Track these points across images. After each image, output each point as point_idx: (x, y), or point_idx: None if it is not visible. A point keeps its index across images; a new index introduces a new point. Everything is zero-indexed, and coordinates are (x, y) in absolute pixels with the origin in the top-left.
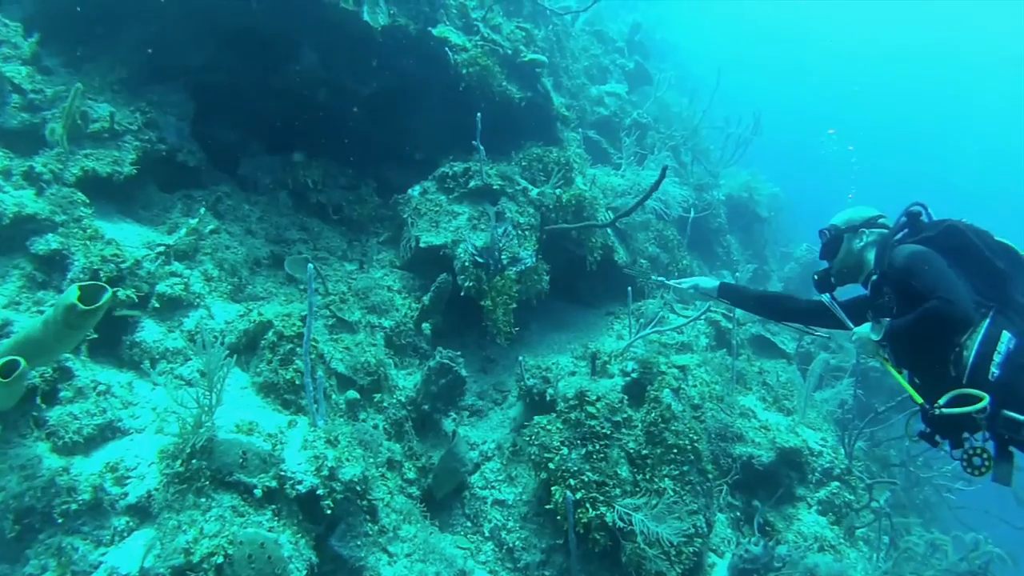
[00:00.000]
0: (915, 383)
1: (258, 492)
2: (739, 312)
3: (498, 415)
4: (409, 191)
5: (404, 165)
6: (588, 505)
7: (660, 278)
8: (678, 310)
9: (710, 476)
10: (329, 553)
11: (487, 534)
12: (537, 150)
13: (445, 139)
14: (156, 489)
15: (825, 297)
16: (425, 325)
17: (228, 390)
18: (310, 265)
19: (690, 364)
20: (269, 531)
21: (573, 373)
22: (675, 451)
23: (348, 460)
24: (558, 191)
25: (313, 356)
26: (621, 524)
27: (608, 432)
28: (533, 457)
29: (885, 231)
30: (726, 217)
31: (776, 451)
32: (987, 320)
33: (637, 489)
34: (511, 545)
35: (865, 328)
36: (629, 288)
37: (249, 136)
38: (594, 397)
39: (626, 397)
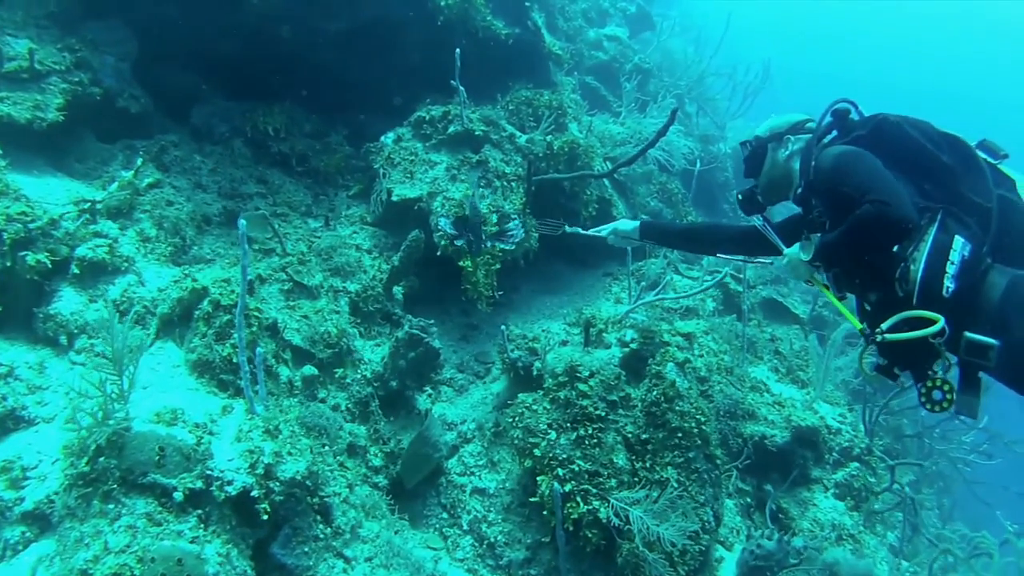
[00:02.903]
0: (865, 310)
1: (178, 496)
2: (749, 272)
3: (480, 391)
4: (382, 138)
5: (381, 112)
6: (579, 499)
7: (575, 228)
8: (683, 270)
9: (719, 462)
10: (273, 561)
11: (465, 527)
12: (526, 93)
13: (423, 82)
14: (57, 493)
15: (757, 220)
16: (397, 289)
17: (159, 369)
18: (241, 220)
19: (696, 331)
20: (192, 542)
21: (565, 342)
22: (679, 435)
23: (291, 454)
24: (549, 138)
25: (256, 328)
26: (617, 521)
27: (603, 414)
28: (517, 442)
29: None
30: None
31: (791, 430)
32: (934, 225)
33: (636, 480)
34: (492, 540)
35: (794, 249)
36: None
37: (203, 80)
38: (587, 373)
39: (624, 372)
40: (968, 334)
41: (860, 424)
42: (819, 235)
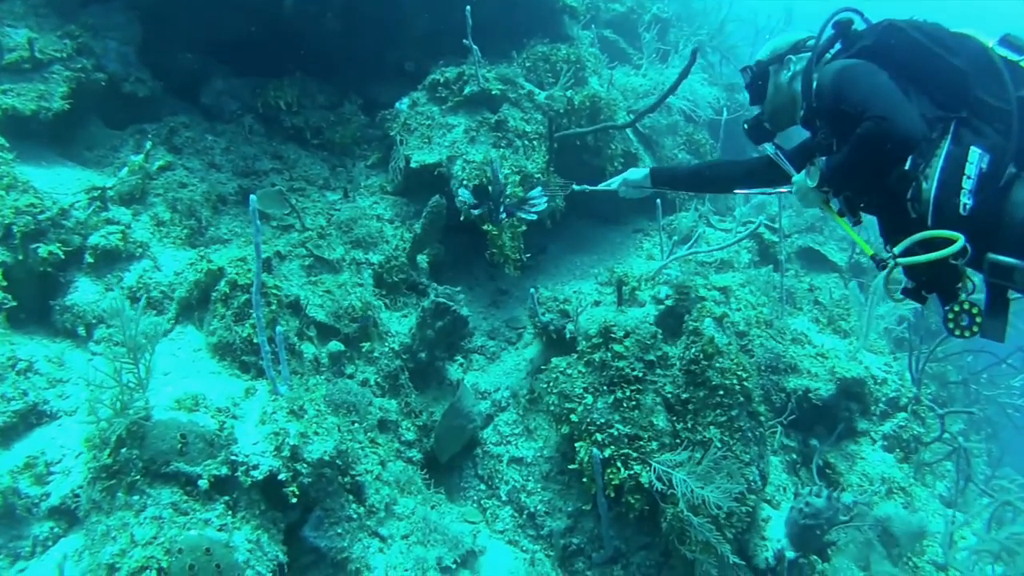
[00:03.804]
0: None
1: (203, 483)
2: (784, 221)
3: (512, 357)
4: (397, 105)
5: (394, 79)
6: (619, 464)
7: (583, 185)
8: (715, 223)
9: (763, 419)
10: (306, 544)
11: (504, 498)
12: (543, 48)
13: (435, 46)
14: (82, 487)
15: (769, 148)
16: (421, 257)
17: (179, 354)
18: (253, 196)
19: (732, 285)
20: (219, 530)
21: (598, 303)
22: (721, 393)
23: (317, 434)
24: (569, 93)
25: (275, 306)
26: (660, 485)
27: (640, 374)
28: (552, 408)
29: None
30: None
31: (836, 382)
32: (947, 137)
33: (677, 441)
34: (532, 510)
35: (800, 175)
36: (658, 201)
37: (210, 59)
38: (621, 333)
39: (660, 330)
40: (991, 255)
41: (906, 373)
42: (824, 159)
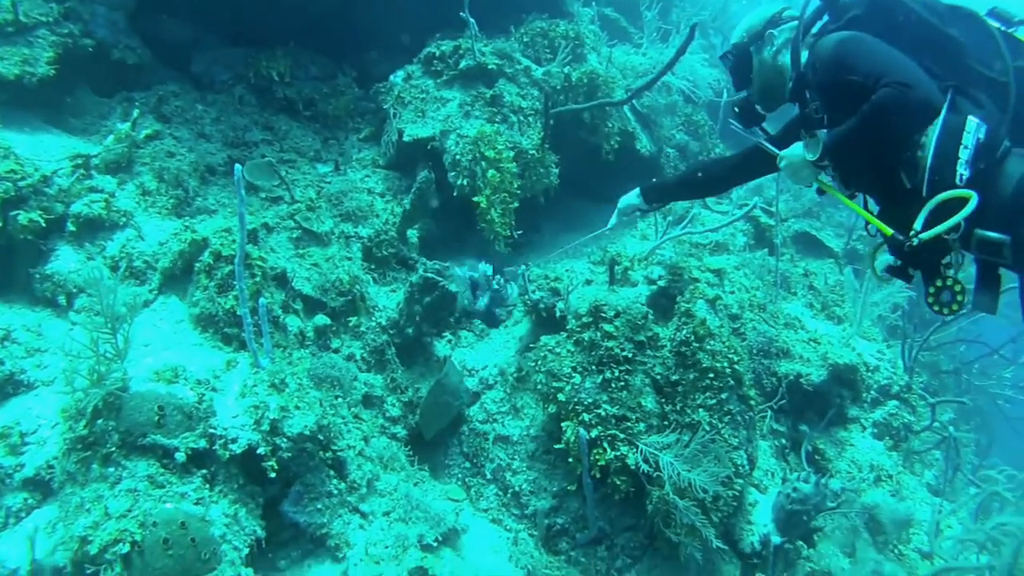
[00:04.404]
0: (870, 210)
1: (180, 456)
2: (781, 205)
3: (502, 334)
4: (391, 77)
5: (390, 52)
6: (606, 444)
7: (587, 237)
8: (711, 204)
9: (753, 403)
10: (286, 520)
11: (489, 476)
12: (541, 24)
13: (432, 19)
14: (57, 458)
15: (758, 135)
16: (411, 232)
17: (161, 325)
18: (238, 166)
19: (727, 267)
20: (196, 504)
21: (589, 282)
22: (711, 376)
23: (298, 408)
24: (567, 69)
25: (260, 278)
26: (646, 467)
27: (630, 355)
28: (540, 387)
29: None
30: None
31: (828, 368)
32: (944, 107)
33: (665, 423)
34: (517, 489)
35: (796, 148)
36: (654, 180)
37: (202, 29)
38: (612, 313)
39: (651, 311)
40: (979, 231)
41: (899, 361)
42: (825, 131)
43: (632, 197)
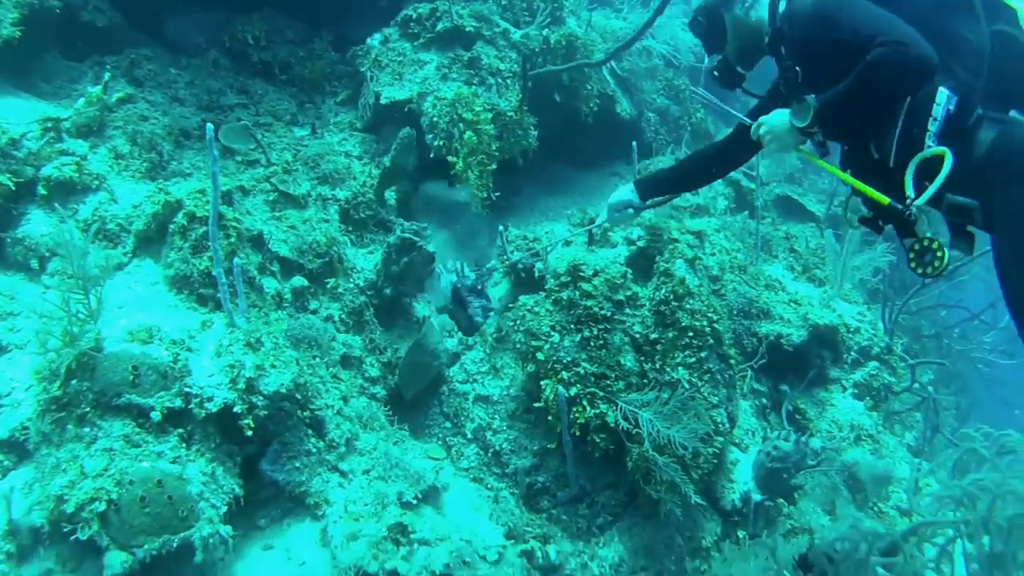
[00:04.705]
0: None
1: (156, 416)
2: (763, 170)
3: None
4: (368, 41)
5: (367, 16)
6: (585, 402)
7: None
8: None
9: (732, 362)
10: (265, 479)
11: (469, 436)
12: None
13: None
14: (31, 419)
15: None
16: (389, 194)
17: (136, 287)
18: (209, 125)
19: (707, 229)
20: (173, 463)
21: (568, 243)
22: (690, 334)
23: (274, 366)
24: (545, 32)
25: (234, 239)
26: (626, 425)
27: (608, 314)
28: (519, 346)
29: None
30: None
31: (808, 329)
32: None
33: (645, 381)
34: (498, 448)
35: (779, 115)
36: (634, 143)
37: None
38: (590, 272)
39: (630, 271)
40: (949, 196)
41: (879, 323)
42: (814, 96)
43: (625, 192)
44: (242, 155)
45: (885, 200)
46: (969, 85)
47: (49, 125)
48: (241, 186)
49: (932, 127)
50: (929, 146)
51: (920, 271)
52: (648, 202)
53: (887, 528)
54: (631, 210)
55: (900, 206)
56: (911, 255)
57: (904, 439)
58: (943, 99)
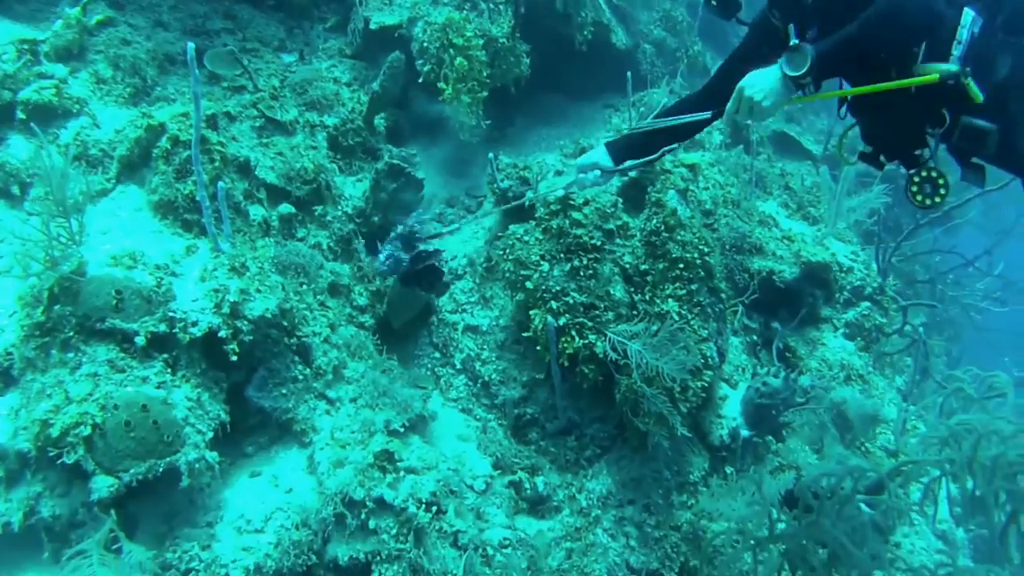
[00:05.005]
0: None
1: (140, 340)
2: None
3: (471, 225)
4: None
5: None
6: (574, 332)
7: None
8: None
9: (723, 296)
10: (253, 406)
11: (458, 366)
12: None
13: None
14: (15, 345)
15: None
16: (378, 120)
17: (120, 213)
18: (190, 44)
19: (701, 163)
20: (158, 387)
21: (560, 172)
22: (681, 266)
23: (259, 291)
24: None
25: (219, 163)
26: (614, 355)
27: (598, 243)
28: (508, 275)
29: None
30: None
31: (801, 266)
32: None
33: (634, 313)
34: (487, 379)
35: (763, 74)
36: (628, 73)
37: None
38: (581, 200)
39: (621, 200)
40: (965, 118)
41: (873, 263)
42: (807, 45)
43: (596, 155)
44: (228, 81)
45: (935, 76)
46: (993, 8)
47: (25, 47)
48: (227, 112)
49: (956, 51)
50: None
51: (920, 201)
52: (620, 166)
53: (873, 467)
54: (598, 172)
55: (956, 69)
56: (914, 186)
57: (894, 383)
58: (968, 20)
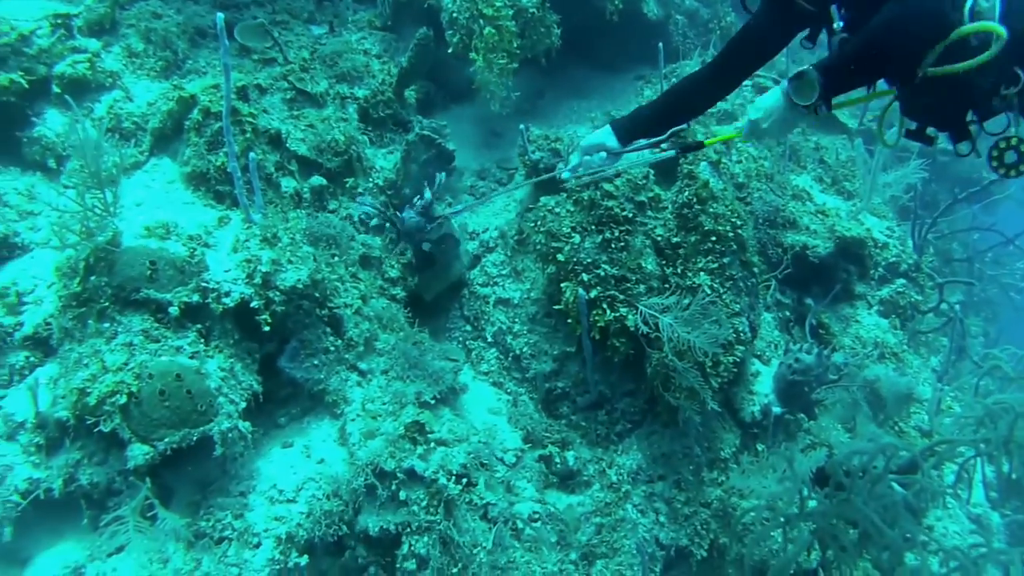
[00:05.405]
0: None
1: (174, 311)
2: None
3: (502, 197)
4: None
5: None
6: (605, 305)
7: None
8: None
9: (756, 270)
10: (285, 377)
11: (490, 339)
12: None
13: None
14: (53, 316)
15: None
16: (408, 92)
17: (153, 185)
18: (219, 15)
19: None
20: (191, 357)
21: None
22: (713, 239)
23: (291, 262)
24: None
25: (250, 134)
26: (645, 329)
27: (630, 215)
28: (539, 247)
29: None
30: None
31: (835, 241)
32: None
33: (666, 286)
34: (518, 352)
35: (767, 100)
36: (660, 45)
37: None
38: (612, 172)
39: (653, 172)
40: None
41: (908, 239)
42: (811, 67)
43: (602, 135)
44: (258, 54)
45: (1001, 30)
46: None
47: (59, 22)
48: (258, 84)
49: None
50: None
51: (1003, 172)
52: (628, 147)
53: (906, 447)
54: (604, 154)
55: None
56: (993, 155)
57: (929, 362)
58: None
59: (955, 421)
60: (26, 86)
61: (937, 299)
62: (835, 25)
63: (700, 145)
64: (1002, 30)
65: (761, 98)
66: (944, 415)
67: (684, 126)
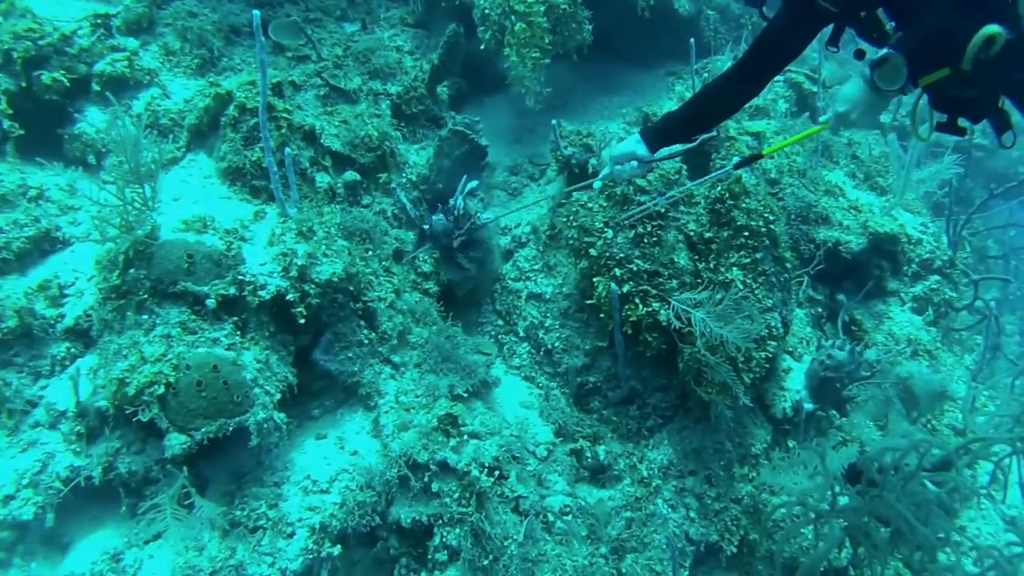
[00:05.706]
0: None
1: (211, 303)
2: (825, 72)
3: (534, 193)
4: None
5: None
6: (637, 300)
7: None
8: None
9: (788, 265)
10: (319, 369)
11: (522, 334)
12: None
13: None
14: (94, 308)
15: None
16: (441, 88)
17: (190, 180)
18: (255, 12)
19: (766, 131)
20: (228, 349)
21: (622, 139)
22: (746, 234)
23: (326, 255)
24: None
25: (285, 129)
26: (678, 324)
27: (662, 210)
28: (571, 242)
29: None
30: None
31: (868, 236)
32: None
33: (698, 281)
34: (550, 346)
35: (852, 88)
36: (691, 40)
37: None
38: None
39: (685, 167)
40: None
41: (943, 235)
42: (893, 51)
43: (631, 144)
44: (292, 51)
45: None
46: None
47: (99, 22)
48: (292, 81)
49: None
50: None
51: None
52: (658, 155)
53: (939, 444)
54: (635, 163)
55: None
56: None
57: (963, 361)
58: None
59: (989, 420)
60: (67, 84)
61: (972, 296)
62: (887, 26)
63: (758, 157)
64: None
65: (843, 91)
66: (978, 413)
67: (714, 132)
